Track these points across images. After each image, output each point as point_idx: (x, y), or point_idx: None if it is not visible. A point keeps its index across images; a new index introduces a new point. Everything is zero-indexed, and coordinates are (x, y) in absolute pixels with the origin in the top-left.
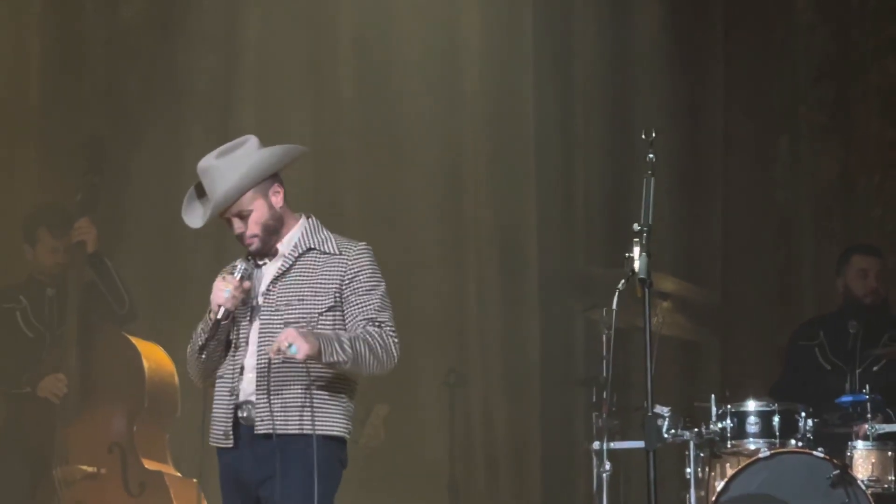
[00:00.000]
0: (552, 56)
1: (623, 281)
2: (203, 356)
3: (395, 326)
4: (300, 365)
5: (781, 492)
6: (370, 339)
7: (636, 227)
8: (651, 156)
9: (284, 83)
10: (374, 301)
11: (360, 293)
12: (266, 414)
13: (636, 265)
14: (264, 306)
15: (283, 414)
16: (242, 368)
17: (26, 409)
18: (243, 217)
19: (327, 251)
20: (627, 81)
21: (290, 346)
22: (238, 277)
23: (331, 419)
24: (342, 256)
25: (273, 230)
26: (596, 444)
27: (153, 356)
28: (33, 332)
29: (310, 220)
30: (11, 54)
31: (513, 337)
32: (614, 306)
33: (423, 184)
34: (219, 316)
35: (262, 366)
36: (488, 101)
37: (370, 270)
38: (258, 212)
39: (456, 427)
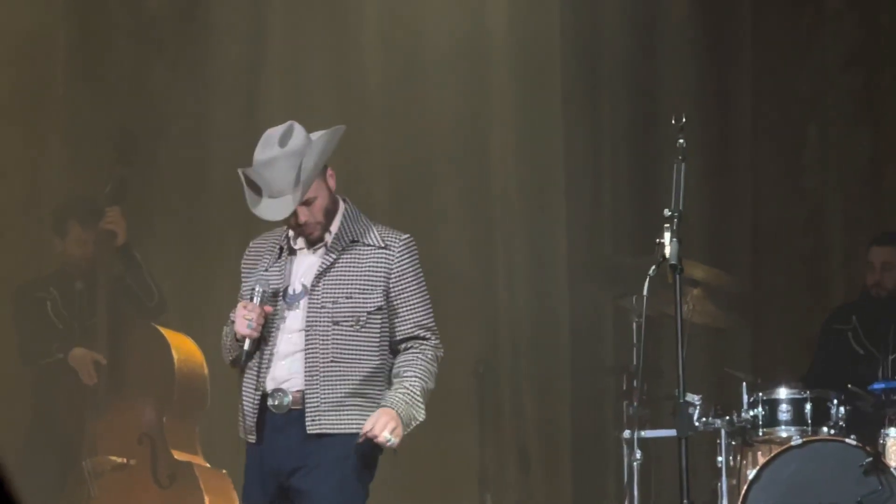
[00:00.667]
0: (580, 43)
1: (654, 267)
2: (242, 367)
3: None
4: (350, 366)
5: (814, 480)
6: (429, 368)
7: (667, 212)
8: (682, 141)
9: (310, 73)
10: (423, 305)
11: (409, 295)
12: (317, 414)
13: (667, 251)
14: (311, 302)
15: (335, 413)
16: (271, 357)
17: (58, 398)
18: (309, 204)
19: (370, 243)
20: (655, 68)
21: (388, 439)
22: (258, 303)
23: (356, 418)
24: (387, 251)
25: (332, 215)
26: (627, 433)
27: (183, 347)
28: (63, 323)
29: (347, 204)
30: (37, 46)
31: (542, 326)
32: (645, 293)
33: (450, 173)
34: (246, 348)
35: (317, 365)
36: (515, 89)
37: (416, 268)
38: (322, 198)
39: (485, 417)
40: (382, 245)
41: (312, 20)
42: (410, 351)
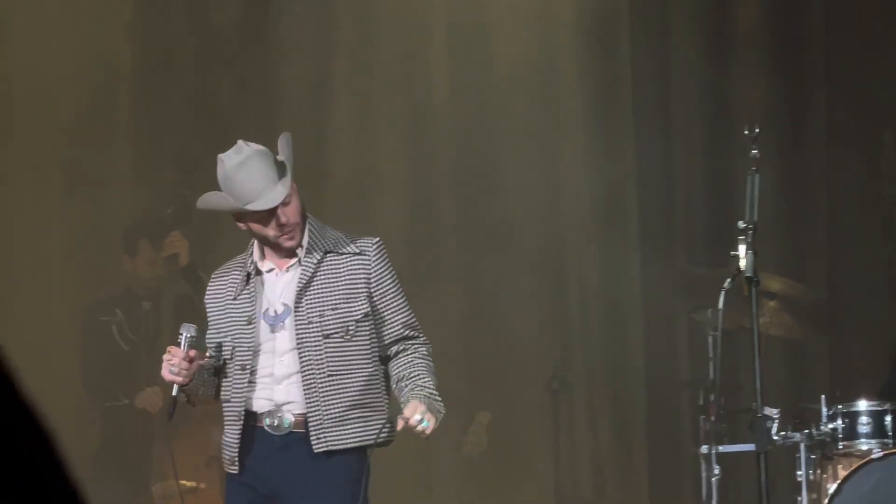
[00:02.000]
0: (649, 54)
1: (729, 280)
2: (170, 414)
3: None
4: (346, 378)
5: (895, 493)
6: (430, 364)
7: (741, 224)
8: (755, 152)
9: (378, 89)
10: (405, 305)
11: (390, 298)
12: (321, 431)
13: (742, 263)
14: (297, 319)
15: (339, 429)
16: (267, 380)
17: (124, 422)
18: (286, 205)
19: (345, 251)
20: (727, 77)
21: (421, 420)
22: (184, 348)
23: (373, 428)
24: (363, 256)
25: (304, 223)
26: (704, 448)
27: None
28: (129, 345)
29: (310, 216)
30: (102, 65)
31: (616, 340)
32: (720, 306)
33: (519, 186)
34: (174, 394)
35: (315, 384)
36: (585, 100)
37: (391, 269)
38: (296, 201)
39: (560, 433)
40: (357, 251)
41: (379, 35)
42: (407, 352)
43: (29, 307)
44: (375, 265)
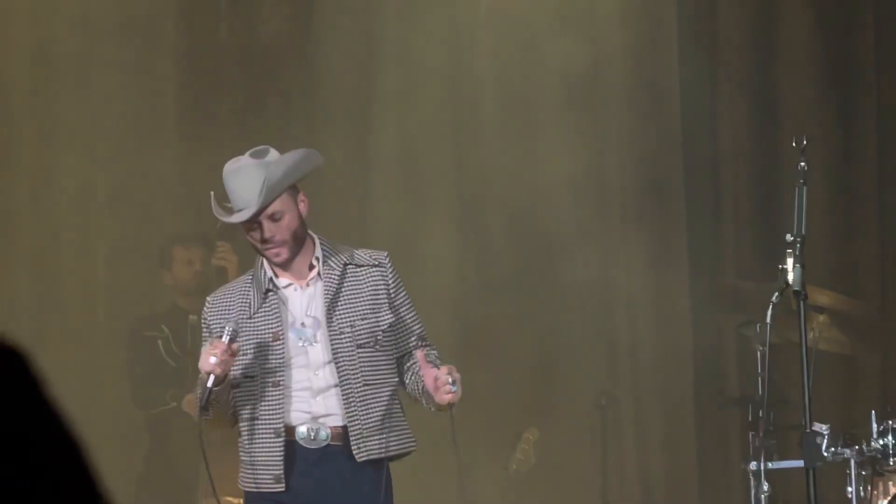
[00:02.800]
0: (697, 64)
1: (777, 294)
2: (208, 416)
3: None
4: (380, 388)
5: None
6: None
7: (789, 237)
8: (803, 164)
9: (425, 102)
10: (417, 317)
11: (406, 310)
12: (361, 441)
13: (790, 277)
14: (331, 331)
15: (377, 437)
16: (302, 394)
17: (172, 437)
18: (275, 220)
19: (362, 263)
20: (776, 88)
21: (454, 384)
22: (226, 341)
23: (408, 437)
24: (381, 268)
25: (301, 240)
26: (753, 465)
27: None
28: (175, 362)
29: (320, 237)
30: (147, 81)
31: (665, 355)
32: (768, 321)
33: (567, 200)
34: (209, 384)
35: (353, 394)
36: (633, 112)
37: (401, 281)
38: (290, 217)
39: (608, 449)
40: (375, 263)
41: (425, 48)
42: (418, 349)
43: (75, 323)
44: (392, 277)
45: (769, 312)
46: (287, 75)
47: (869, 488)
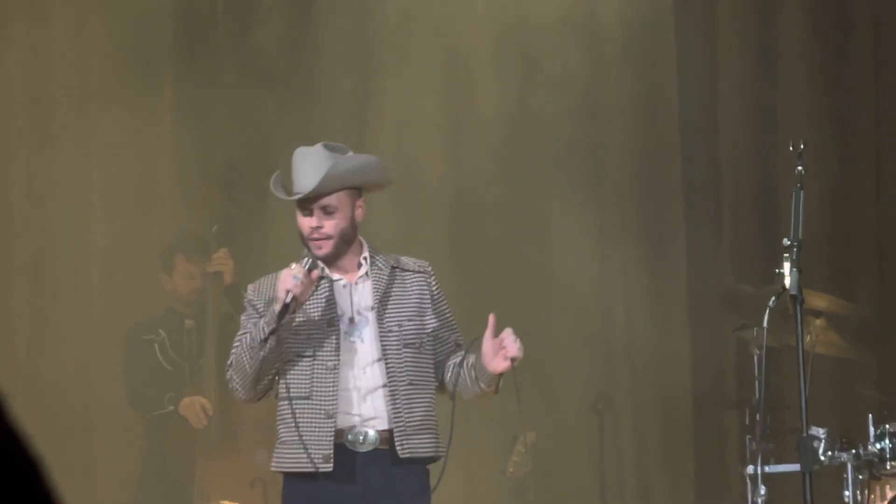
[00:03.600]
0: (696, 68)
1: (774, 298)
2: (267, 348)
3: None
4: (422, 389)
5: None
6: None
7: (786, 241)
8: (800, 168)
9: (421, 105)
10: (455, 325)
11: (447, 316)
12: (404, 438)
13: (787, 281)
14: (381, 328)
15: (417, 437)
16: (348, 392)
17: (168, 440)
18: (327, 213)
19: (408, 268)
20: (774, 91)
21: (516, 341)
22: (306, 268)
23: (440, 442)
24: (425, 275)
25: (347, 242)
26: (750, 469)
27: None
28: (172, 366)
29: (366, 242)
30: (144, 83)
31: (662, 359)
32: (765, 324)
33: (564, 202)
34: (287, 300)
35: (398, 392)
36: (631, 115)
37: (443, 291)
38: (341, 214)
39: (606, 453)
40: (420, 270)
41: (424, 49)
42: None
43: (70, 327)
44: (436, 285)
45: (766, 316)
46: (283, 77)
47: (866, 492)
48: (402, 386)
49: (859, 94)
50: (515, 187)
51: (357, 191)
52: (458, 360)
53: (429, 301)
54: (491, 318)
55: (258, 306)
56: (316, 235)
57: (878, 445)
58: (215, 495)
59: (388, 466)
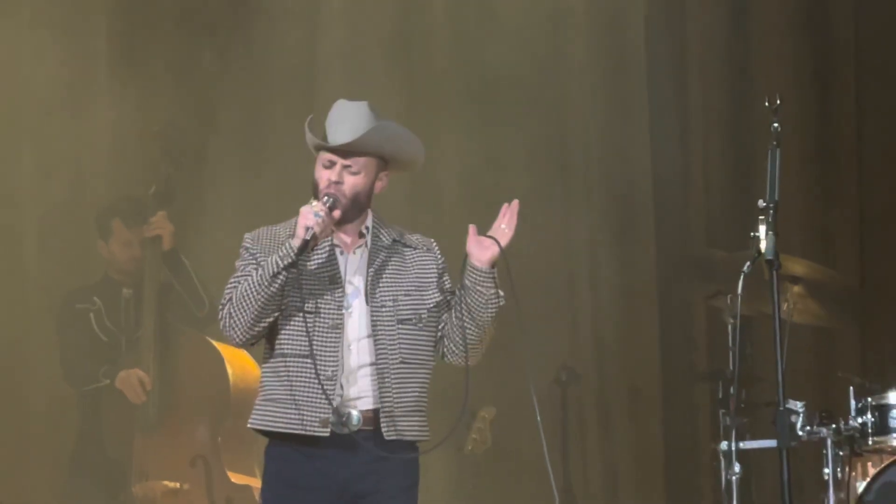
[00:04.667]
0: (665, 19)
1: (748, 263)
2: (277, 284)
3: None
4: (416, 368)
5: None
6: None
7: (761, 203)
8: (776, 125)
9: (373, 58)
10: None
11: (450, 287)
12: (391, 420)
13: (762, 245)
14: (373, 302)
15: (406, 419)
16: (336, 368)
17: (103, 416)
18: (350, 172)
19: (412, 245)
20: (748, 44)
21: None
22: (327, 206)
23: (426, 424)
24: (431, 253)
25: (358, 208)
26: (724, 445)
27: (237, 360)
28: (107, 336)
29: (374, 212)
30: (77, 36)
31: (629, 329)
32: (739, 292)
33: (526, 163)
34: (307, 237)
35: (388, 370)
36: (596, 71)
37: (447, 268)
38: (363, 180)
39: (570, 428)
40: (426, 248)
41: (374, 6)
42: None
43: (2, 296)
44: (442, 263)
45: (740, 283)
46: (225, 30)
47: (847, 469)
48: (394, 364)
49: (838, 46)
50: (473, 147)
51: (384, 162)
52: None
53: (433, 277)
54: (471, 228)
55: (256, 254)
56: (332, 189)
57: (859, 420)
58: (154, 474)
59: (373, 449)
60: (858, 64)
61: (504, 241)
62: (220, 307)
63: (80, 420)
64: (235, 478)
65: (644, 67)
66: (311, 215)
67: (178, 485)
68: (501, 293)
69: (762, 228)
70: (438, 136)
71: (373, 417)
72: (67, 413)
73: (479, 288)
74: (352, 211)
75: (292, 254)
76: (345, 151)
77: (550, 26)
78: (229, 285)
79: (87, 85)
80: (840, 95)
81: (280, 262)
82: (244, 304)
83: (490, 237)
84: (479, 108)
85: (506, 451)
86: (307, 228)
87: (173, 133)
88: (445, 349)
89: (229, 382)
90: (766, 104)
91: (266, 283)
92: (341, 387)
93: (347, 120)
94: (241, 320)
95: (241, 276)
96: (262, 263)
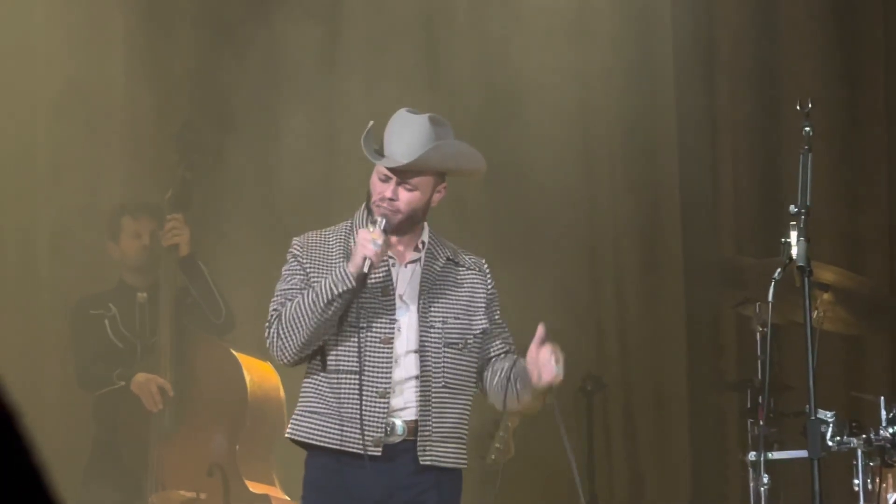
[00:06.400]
0: (693, 21)
1: (779, 270)
2: (331, 310)
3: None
4: (458, 393)
5: None
6: None
7: (793, 209)
8: (807, 128)
9: (396, 60)
10: (505, 327)
11: (496, 314)
12: (428, 444)
13: (794, 251)
14: (422, 321)
15: (443, 445)
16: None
17: (119, 425)
18: (407, 189)
19: (464, 264)
20: (777, 48)
21: (557, 361)
22: (382, 230)
23: (465, 452)
24: (481, 274)
25: (414, 222)
26: (752, 455)
27: (255, 368)
28: (123, 343)
29: (429, 227)
30: (94, 37)
31: (655, 337)
32: (770, 298)
33: (550, 167)
34: (365, 269)
35: (430, 392)
36: (622, 75)
37: (497, 293)
38: (421, 196)
39: (595, 438)
40: (476, 268)
41: (396, 2)
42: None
43: (16, 302)
44: (492, 286)
45: (771, 290)
46: (244, 32)
47: (877, 480)
48: (436, 387)
49: (869, 49)
50: (497, 150)
51: (442, 176)
52: (506, 365)
53: (482, 301)
54: (540, 329)
55: (305, 264)
56: (386, 205)
57: (890, 430)
58: (171, 484)
59: (414, 462)
60: (888, 65)
61: (559, 379)
62: (267, 325)
63: (95, 428)
64: (254, 487)
65: (671, 69)
66: (369, 245)
67: (195, 494)
68: (547, 401)
69: (793, 234)
70: (461, 138)
71: (415, 428)
72: (82, 421)
73: (528, 393)
74: (408, 226)
75: (348, 281)
76: (401, 171)
77: (576, 31)
78: (275, 299)
79: (103, 86)
80: (870, 97)
81: (335, 289)
82: (295, 326)
83: (555, 365)
84: (502, 110)
85: (530, 461)
86: (365, 258)
87: (190, 135)
88: (483, 389)
89: (247, 389)
90: (798, 107)
91: (320, 310)
92: (391, 385)
93: (406, 136)
94: (292, 342)
95: (288, 289)
96: (313, 285)
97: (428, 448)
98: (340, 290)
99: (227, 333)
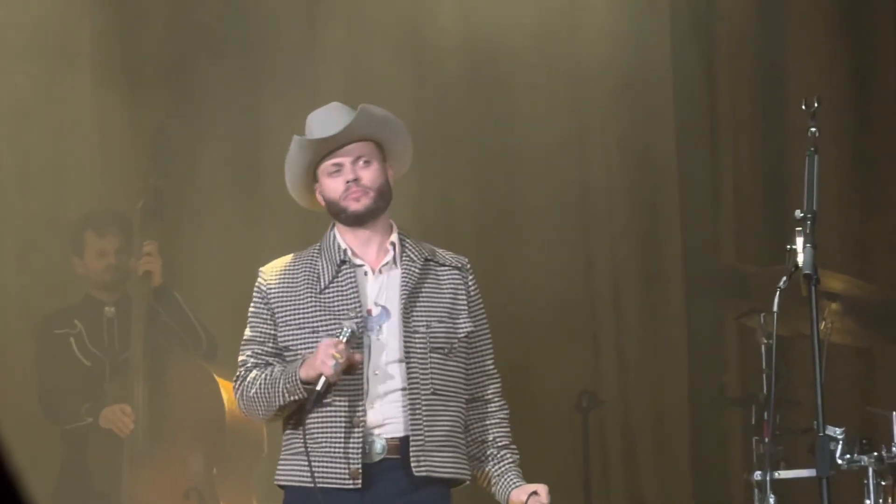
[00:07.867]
0: (693, 16)
1: (785, 278)
2: (286, 407)
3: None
4: (449, 399)
5: None
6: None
7: (799, 214)
8: (813, 129)
9: (379, 59)
10: (489, 338)
11: (481, 323)
12: (423, 454)
13: (800, 259)
14: (406, 327)
15: (438, 454)
16: (366, 394)
17: (90, 447)
18: (364, 164)
19: (444, 262)
20: (782, 46)
21: None
22: (345, 340)
23: (465, 464)
24: (462, 272)
25: (385, 200)
26: (757, 475)
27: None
28: (91, 360)
29: (399, 229)
30: (61, 37)
31: (655, 350)
32: (775, 309)
33: (542, 170)
34: (318, 388)
35: (419, 400)
36: (617, 75)
37: (480, 292)
38: (378, 169)
39: (591, 458)
40: (457, 266)
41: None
42: (502, 410)
43: None
44: (473, 285)
45: (776, 300)
46: (220, 31)
47: (889, 500)
48: (426, 395)
49: (878, 46)
50: (485, 152)
51: (383, 157)
52: (501, 448)
53: (464, 302)
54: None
55: (270, 297)
56: (354, 188)
57: None
58: None
59: (400, 480)
60: None
61: None
62: (234, 379)
63: (63, 452)
64: None
65: (670, 68)
66: (329, 362)
67: None
68: None
69: (799, 241)
70: (449, 142)
71: (399, 446)
72: (49, 445)
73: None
74: (381, 204)
75: (300, 393)
76: (344, 143)
77: (568, 28)
78: (242, 349)
79: (70, 89)
80: (880, 95)
81: (286, 396)
82: (255, 407)
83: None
84: (492, 112)
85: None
86: (321, 377)
87: (163, 142)
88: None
89: (225, 408)
90: (804, 107)
91: (276, 406)
92: (364, 414)
93: (327, 118)
94: (256, 416)
95: (254, 339)
96: (272, 369)
97: (423, 458)
98: (293, 399)
99: (210, 360)
